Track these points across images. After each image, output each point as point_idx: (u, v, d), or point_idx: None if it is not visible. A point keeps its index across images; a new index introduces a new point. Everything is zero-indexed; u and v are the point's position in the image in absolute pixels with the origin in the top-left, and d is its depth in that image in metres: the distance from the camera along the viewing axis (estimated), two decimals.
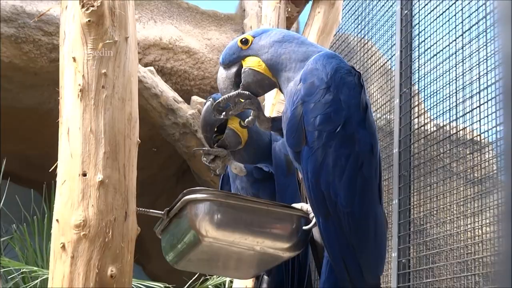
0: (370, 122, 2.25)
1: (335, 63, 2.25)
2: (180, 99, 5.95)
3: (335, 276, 2.29)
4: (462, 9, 4.18)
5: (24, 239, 5.69)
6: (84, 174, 2.42)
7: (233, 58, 2.40)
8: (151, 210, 2.51)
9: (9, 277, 5.27)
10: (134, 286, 3.99)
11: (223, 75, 2.43)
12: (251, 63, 2.37)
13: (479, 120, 3.91)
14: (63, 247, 2.39)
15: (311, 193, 2.21)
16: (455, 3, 4.26)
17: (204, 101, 2.76)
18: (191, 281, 5.17)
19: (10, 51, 5.87)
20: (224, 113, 2.39)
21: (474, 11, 4.06)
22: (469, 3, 4.12)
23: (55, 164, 2.54)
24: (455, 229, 4.12)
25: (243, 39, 2.40)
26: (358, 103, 2.22)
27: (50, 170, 2.60)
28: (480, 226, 3.90)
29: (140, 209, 2.54)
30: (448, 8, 4.32)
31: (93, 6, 2.52)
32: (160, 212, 2.43)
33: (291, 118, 2.26)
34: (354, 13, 5.80)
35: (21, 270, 5.32)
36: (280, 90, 2.42)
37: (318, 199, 2.20)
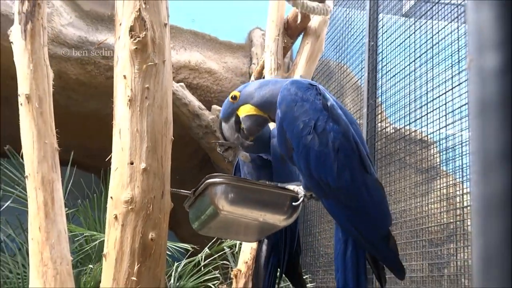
0: (336, 116, 2.21)
1: (295, 86, 2.25)
2: (203, 107, 5.94)
3: (345, 239, 2.29)
4: (414, 42, 4.18)
5: (86, 211, 5.70)
6: (132, 163, 2.42)
7: (229, 112, 2.38)
8: (181, 190, 2.50)
9: (75, 239, 5.28)
10: (168, 247, 4.00)
11: (225, 126, 2.42)
12: (245, 110, 2.35)
13: (427, 125, 3.91)
14: (116, 217, 2.39)
15: (308, 182, 2.22)
16: (409, 37, 4.25)
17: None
18: (210, 243, 5.17)
19: (77, 70, 5.87)
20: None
21: (424, 43, 4.06)
22: (419, 37, 4.12)
23: (110, 155, 2.54)
24: (408, 206, 4.11)
25: (233, 96, 2.38)
26: (320, 107, 2.20)
27: (106, 160, 2.60)
28: (426, 204, 3.90)
29: (173, 189, 2.54)
30: (404, 41, 4.32)
31: (139, 37, 2.51)
32: (188, 192, 2.43)
33: (278, 135, 2.27)
34: (333, 44, 5.79)
35: (84, 234, 5.33)
36: (273, 120, 2.41)
37: (315, 185, 2.20)
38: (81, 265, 5.22)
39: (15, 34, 3.49)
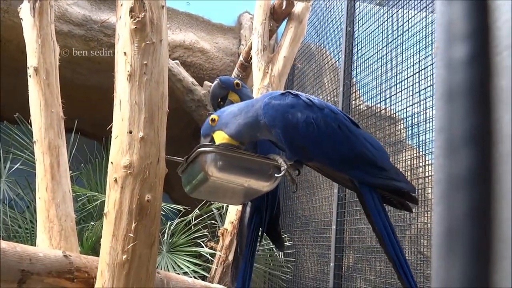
0: (316, 104, 2.19)
1: (274, 100, 2.19)
2: (196, 83, 5.90)
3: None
4: (386, 28, 4.17)
5: (89, 174, 5.69)
6: (130, 132, 2.40)
7: (207, 133, 2.28)
8: (175, 157, 2.50)
9: (78, 199, 5.27)
10: (162, 208, 4.00)
11: (204, 141, 2.31)
12: (219, 137, 2.25)
13: (395, 104, 3.93)
14: (116, 180, 2.38)
15: (331, 162, 2.23)
16: (382, 24, 4.24)
17: (212, 85, 2.74)
18: (200, 204, 5.19)
19: (81, 46, 5.78)
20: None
21: (395, 30, 4.05)
22: (391, 24, 4.11)
23: (111, 125, 2.52)
24: None
25: (212, 119, 2.27)
26: (304, 103, 2.18)
27: (107, 128, 2.57)
28: None
29: (168, 156, 2.53)
30: (377, 28, 4.30)
31: (138, 17, 2.47)
32: (181, 158, 2.42)
33: (288, 148, 2.20)
34: (314, 28, 5.75)
35: (87, 195, 5.32)
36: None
37: (337, 163, 2.23)
38: (84, 222, 5.22)
39: (25, 11, 3.43)
